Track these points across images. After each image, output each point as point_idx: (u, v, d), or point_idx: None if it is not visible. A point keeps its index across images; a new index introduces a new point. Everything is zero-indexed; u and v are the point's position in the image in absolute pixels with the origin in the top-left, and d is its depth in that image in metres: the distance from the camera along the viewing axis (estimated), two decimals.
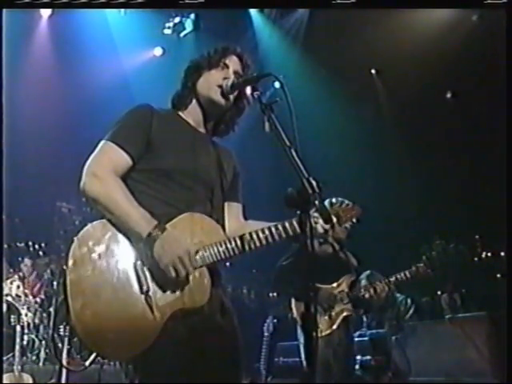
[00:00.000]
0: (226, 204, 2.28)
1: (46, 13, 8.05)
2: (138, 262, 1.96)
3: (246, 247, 2.05)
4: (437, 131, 8.15)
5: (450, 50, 7.69)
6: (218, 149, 2.29)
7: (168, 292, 1.95)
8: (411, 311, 6.53)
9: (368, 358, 5.79)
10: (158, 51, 9.03)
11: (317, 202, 1.79)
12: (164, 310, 1.93)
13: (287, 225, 2.06)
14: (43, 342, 5.83)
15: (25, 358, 5.52)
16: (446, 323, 5.98)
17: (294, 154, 1.79)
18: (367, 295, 4.27)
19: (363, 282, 4.40)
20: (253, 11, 8.86)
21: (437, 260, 4.24)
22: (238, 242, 2.05)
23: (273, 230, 2.07)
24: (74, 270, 1.90)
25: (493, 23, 6.12)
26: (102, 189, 1.99)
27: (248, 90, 2.15)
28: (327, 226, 2.09)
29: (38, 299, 6.28)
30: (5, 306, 5.71)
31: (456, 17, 7.88)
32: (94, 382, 5.23)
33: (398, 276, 4.28)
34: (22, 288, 6.25)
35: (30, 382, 5.03)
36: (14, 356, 5.05)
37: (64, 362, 5.23)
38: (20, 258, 6.73)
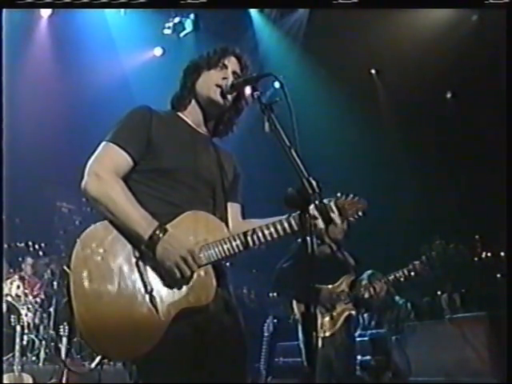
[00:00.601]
0: (227, 204, 2.27)
1: (45, 13, 8.04)
2: (141, 262, 1.96)
3: (251, 243, 2.05)
4: (437, 131, 8.16)
5: (449, 50, 7.69)
6: (218, 150, 2.29)
7: (172, 291, 1.95)
8: (411, 315, 6.54)
9: (368, 358, 5.79)
10: (157, 51, 9.03)
11: (317, 202, 1.79)
12: (169, 310, 1.92)
13: (292, 220, 2.05)
14: (43, 342, 5.83)
15: (25, 358, 5.51)
16: (446, 323, 6.00)
17: (293, 153, 1.79)
18: (367, 294, 4.27)
19: (364, 282, 4.40)
20: (253, 11, 8.86)
21: (437, 260, 4.24)
22: (243, 239, 2.04)
23: (277, 225, 2.07)
24: (77, 272, 1.89)
25: (493, 23, 6.11)
26: (102, 189, 1.99)
27: (248, 90, 2.15)
28: (334, 219, 2.10)
29: (38, 299, 6.28)
30: (5, 306, 5.71)
31: (456, 17, 7.88)
32: (94, 382, 5.23)
33: (397, 274, 4.28)
34: (22, 288, 6.26)
35: (30, 381, 5.03)
36: (14, 356, 5.05)
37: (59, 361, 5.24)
38: (20, 258, 6.72)
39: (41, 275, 6.65)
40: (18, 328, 5.25)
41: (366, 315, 6.37)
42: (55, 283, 6.30)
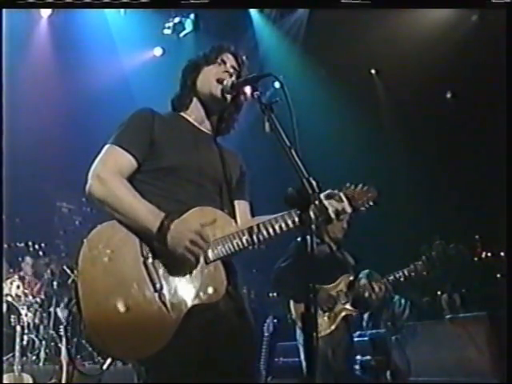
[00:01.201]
0: (235, 202, 2.27)
1: (45, 13, 8.04)
2: (149, 260, 1.95)
3: (261, 238, 2.04)
4: (437, 131, 8.15)
5: (449, 50, 7.69)
6: (222, 148, 2.29)
7: (182, 288, 1.94)
8: (407, 312, 6.53)
9: (368, 357, 5.79)
10: (157, 51, 9.03)
11: (317, 202, 1.78)
12: (179, 307, 1.91)
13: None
14: (43, 342, 5.83)
15: (25, 358, 5.51)
16: (446, 323, 5.99)
17: (293, 153, 1.79)
18: (366, 294, 4.27)
19: (362, 281, 4.40)
20: (253, 11, 8.85)
21: (437, 260, 4.24)
22: (253, 232, 2.03)
23: (287, 218, 2.06)
24: (84, 273, 1.89)
25: (493, 23, 6.12)
26: (107, 190, 1.99)
27: (248, 89, 2.15)
28: (342, 209, 2.09)
29: (38, 299, 6.28)
30: (5, 306, 5.71)
31: (456, 17, 7.88)
32: (94, 382, 5.23)
33: (397, 275, 4.28)
34: (22, 288, 6.26)
35: (30, 382, 5.03)
36: (14, 356, 5.05)
37: (64, 362, 5.24)
38: (20, 258, 6.72)
39: (41, 275, 6.65)
40: (18, 328, 5.26)
41: (365, 315, 6.37)
42: (55, 283, 6.30)
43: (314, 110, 8.28)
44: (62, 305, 6.09)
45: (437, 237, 4.40)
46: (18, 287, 6.23)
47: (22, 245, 6.65)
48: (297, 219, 2.03)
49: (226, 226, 2.08)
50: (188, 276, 1.96)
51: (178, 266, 1.94)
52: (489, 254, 6.71)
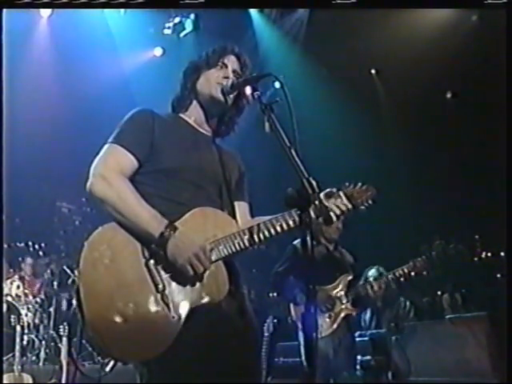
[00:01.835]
0: (235, 203, 2.27)
1: (45, 13, 8.04)
2: (151, 261, 1.95)
3: (262, 236, 2.04)
4: (437, 131, 8.15)
5: (449, 50, 7.69)
6: (222, 149, 2.29)
7: (184, 290, 1.94)
8: (411, 314, 6.53)
9: (368, 357, 5.78)
10: (157, 51, 9.03)
11: (316, 202, 1.78)
12: (181, 309, 1.91)
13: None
14: (43, 342, 5.83)
15: (25, 358, 5.51)
16: (446, 323, 5.99)
17: (293, 154, 1.79)
18: (366, 293, 4.27)
19: (363, 280, 4.40)
20: (253, 11, 8.85)
21: (437, 260, 4.24)
22: (254, 232, 2.04)
23: (286, 216, 2.06)
24: (86, 275, 1.89)
25: (493, 23, 6.11)
26: (109, 190, 1.98)
27: (248, 90, 2.14)
28: (344, 207, 2.09)
29: (38, 299, 6.28)
30: (5, 306, 5.71)
31: (456, 17, 7.89)
32: (94, 382, 5.23)
33: (397, 273, 4.28)
34: (21, 288, 6.26)
35: (30, 382, 5.02)
36: (14, 356, 5.05)
37: (64, 362, 5.24)
38: (20, 258, 6.72)
39: (41, 275, 6.65)
40: (18, 328, 5.25)
41: (367, 315, 6.36)
42: (55, 283, 6.30)
43: (314, 110, 8.27)
44: (62, 305, 6.10)
45: (437, 237, 4.39)
46: (18, 287, 6.23)
47: (22, 245, 6.65)
48: (297, 219, 2.02)
49: (227, 227, 2.08)
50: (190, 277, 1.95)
51: (177, 273, 1.94)
52: (489, 254, 6.70)
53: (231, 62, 2.24)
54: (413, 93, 8.15)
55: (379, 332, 6.22)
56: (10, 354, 5.10)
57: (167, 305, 1.90)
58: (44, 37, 8.28)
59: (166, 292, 1.91)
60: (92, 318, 1.85)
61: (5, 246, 5.92)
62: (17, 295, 6.14)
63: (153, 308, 1.89)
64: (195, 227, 2.02)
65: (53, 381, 5.25)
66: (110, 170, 2.02)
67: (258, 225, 2.05)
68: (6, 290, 6.01)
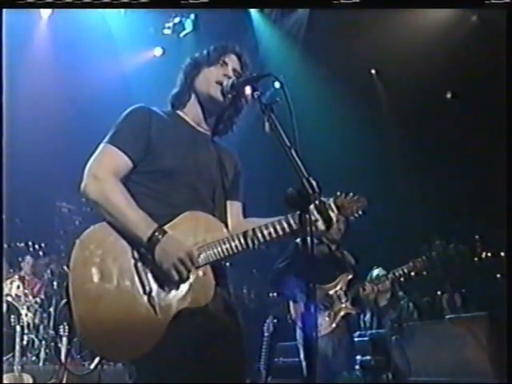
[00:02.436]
0: (227, 202, 2.27)
1: (46, 13, 8.04)
2: (140, 264, 1.96)
3: (250, 244, 2.05)
4: (437, 131, 8.15)
5: (450, 50, 7.69)
6: (219, 148, 2.28)
7: (171, 292, 1.95)
8: (415, 315, 6.54)
9: (368, 358, 5.78)
10: (157, 51, 9.02)
11: (317, 202, 1.78)
12: (168, 311, 1.93)
13: (291, 219, 2.04)
14: (43, 342, 5.83)
15: (25, 358, 5.52)
16: (446, 323, 5.99)
17: (294, 154, 1.79)
18: (365, 293, 4.27)
19: (363, 280, 4.40)
20: (253, 11, 8.85)
21: (437, 260, 4.24)
22: (242, 240, 2.04)
23: (276, 225, 2.06)
24: (76, 273, 1.90)
25: (493, 23, 6.12)
26: (101, 191, 1.99)
27: (248, 89, 2.13)
28: (332, 220, 2.08)
29: (38, 299, 6.29)
30: (5, 306, 5.72)
31: (456, 17, 7.88)
32: (94, 382, 5.23)
33: (397, 273, 4.28)
34: (21, 288, 6.26)
35: (30, 382, 5.03)
36: (14, 356, 5.05)
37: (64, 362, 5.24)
38: (20, 258, 6.72)
39: (41, 275, 6.65)
40: (18, 328, 5.26)
41: (368, 315, 6.37)
42: (55, 283, 6.31)
43: (314, 110, 8.27)
44: (62, 305, 6.09)
45: (437, 237, 4.39)
46: (18, 287, 6.23)
47: (22, 245, 6.66)
48: (287, 226, 2.04)
49: (217, 232, 2.08)
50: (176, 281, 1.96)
51: (163, 276, 1.95)
52: (489, 254, 6.70)
53: (232, 60, 2.24)
54: (413, 93, 8.14)
55: (379, 332, 6.22)
56: (10, 354, 5.10)
57: (153, 307, 1.91)
58: (44, 37, 8.28)
59: (153, 294, 1.93)
60: (80, 316, 1.86)
61: (5, 246, 5.92)
62: (17, 295, 6.15)
63: (139, 309, 1.90)
64: (185, 231, 2.02)
65: (53, 381, 5.25)
66: (104, 171, 2.02)
67: (247, 231, 2.05)
68: (6, 290, 6.01)
